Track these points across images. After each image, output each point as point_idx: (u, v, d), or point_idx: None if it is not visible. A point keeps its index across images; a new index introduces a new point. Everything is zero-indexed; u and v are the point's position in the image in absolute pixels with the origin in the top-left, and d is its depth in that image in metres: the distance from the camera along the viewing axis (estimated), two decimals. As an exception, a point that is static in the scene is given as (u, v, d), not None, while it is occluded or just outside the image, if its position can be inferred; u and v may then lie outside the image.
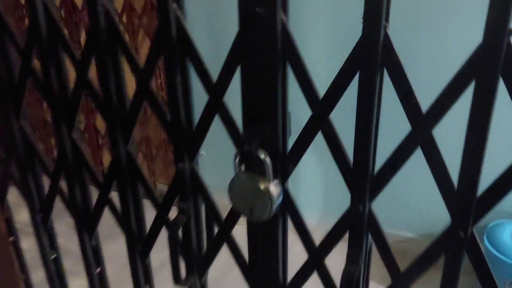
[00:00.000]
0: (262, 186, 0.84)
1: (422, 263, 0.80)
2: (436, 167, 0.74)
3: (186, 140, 0.95)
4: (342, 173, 0.83)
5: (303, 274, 0.95)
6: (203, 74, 0.89)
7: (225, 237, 1.00)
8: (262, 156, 0.83)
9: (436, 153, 0.72)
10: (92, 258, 1.32)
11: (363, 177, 0.80)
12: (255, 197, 0.86)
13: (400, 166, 0.76)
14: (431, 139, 0.72)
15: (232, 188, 0.87)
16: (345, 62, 0.75)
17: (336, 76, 0.77)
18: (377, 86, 0.74)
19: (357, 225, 0.84)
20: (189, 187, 1.00)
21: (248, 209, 0.87)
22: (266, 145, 0.85)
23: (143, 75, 0.96)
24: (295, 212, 0.90)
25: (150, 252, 1.16)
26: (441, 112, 0.69)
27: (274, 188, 0.84)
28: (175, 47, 0.88)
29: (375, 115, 0.76)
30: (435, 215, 2.19)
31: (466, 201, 0.71)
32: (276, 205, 0.85)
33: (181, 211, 1.01)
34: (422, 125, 0.72)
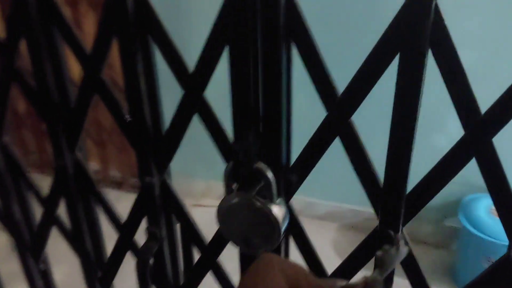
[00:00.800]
0: (264, 209, 0.63)
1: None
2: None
3: (154, 148, 0.72)
4: (368, 193, 0.63)
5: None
6: (174, 59, 0.66)
7: (209, 264, 0.79)
8: (262, 169, 0.62)
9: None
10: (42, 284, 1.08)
11: (397, 198, 0.61)
12: (254, 224, 0.65)
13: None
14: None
15: (223, 212, 0.66)
16: (378, 43, 0.54)
17: (364, 63, 0.56)
18: (424, 74, 0.54)
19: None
20: (160, 205, 0.77)
21: (244, 239, 0.66)
22: (266, 156, 0.64)
23: (91, 61, 0.71)
24: (301, 237, 0.71)
25: (113, 280, 0.93)
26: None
27: (278, 210, 0.64)
28: (133, 22, 0.64)
29: (418, 113, 0.56)
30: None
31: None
32: (283, 231, 0.65)
33: (151, 236, 0.79)
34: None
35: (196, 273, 0.81)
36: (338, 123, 0.60)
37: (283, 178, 0.66)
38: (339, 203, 2.58)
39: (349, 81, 0.58)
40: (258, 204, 0.63)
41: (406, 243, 0.65)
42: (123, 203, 0.95)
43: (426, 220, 2.37)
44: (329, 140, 0.62)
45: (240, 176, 0.64)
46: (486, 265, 1.83)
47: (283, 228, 0.64)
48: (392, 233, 0.64)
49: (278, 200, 0.64)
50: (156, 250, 0.79)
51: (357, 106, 0.59)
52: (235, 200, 0.64)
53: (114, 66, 1.96)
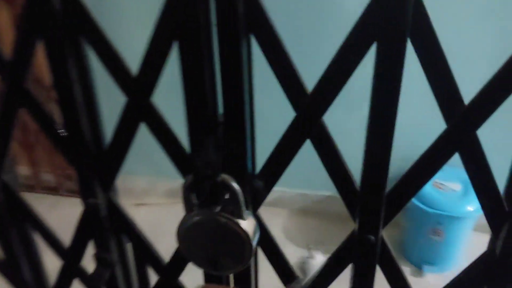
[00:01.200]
0: (232, 225, 0.56)
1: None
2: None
3: (96, 165, 0.62)
4: (344, 197, 0.58)
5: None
6: (113, 61, 0.56)
7: (169, 286, 0.71)
8: (227, 181, 0.55)
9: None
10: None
11: (377, 199, 0.56)
12: (221, 243, 0.57)
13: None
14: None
15: (183, 233, 0.58)
16: (352, 31, 0.48)
17: (337, 55, 0.50)
18: (403, 64, 0.48)
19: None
20: (108, 227, 0.68)
21: (210, 261, 0.59)
22: (229, 165, 0.56)
23: (11, 69, 0.60)
24: (270, 246, 0.64)
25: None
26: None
27: (248, 225, 0.57)
28: (60, 21, 0.53)
29: (397, 107, 0.50)
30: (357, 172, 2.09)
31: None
32: (255, 247, 0.58)
33: (101, 262, 0.69)
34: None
35: (155, 296, 0.73)
36: (308, 124, 0.54)
37: (250, 188, 0.59)
38: (288, 188, 2.55)
39: (320, 77, 0.51)
40: (225, 220, 0.56)
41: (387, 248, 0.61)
42: (60, 209, 0.85)
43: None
44: (299, 143, 0.56)
45: (201, 191, 0.56)
46: (433, 238, 1.87)
47: (254, 244, 0.58)
48: (372, 238, 0.59)
49: (246, 213, 0.57)
50: (109, 276, 0.70)
51: (329, 104, 0.52)
52: (197, 218, 0.56)
53: (39, 64, 1.79)
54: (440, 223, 2.07)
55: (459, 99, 0.50)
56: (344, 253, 0.62)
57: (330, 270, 0.64)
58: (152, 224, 2.31)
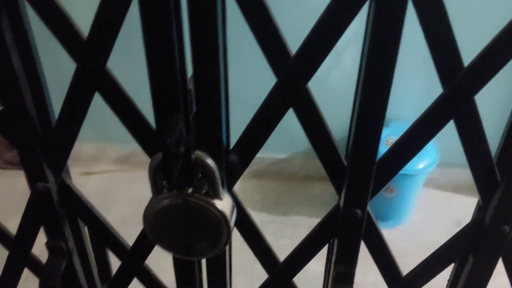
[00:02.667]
0: (207, 207, 0.49)
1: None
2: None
3: (44, 144, 0.54)
4: (329, 170, 0.53)
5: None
6: (57, 20, 0.47)
7: (133, 271, 0.65)
8: (202, 159, 0.48)
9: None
10: None
11: (367, 170, 0.51)
12: (195, 227, 0.51)
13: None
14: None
15: (151, 218, 0.51)
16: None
17: (325, 13, 0.43)
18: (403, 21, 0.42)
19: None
20: (61, 212, 0.60)
21: (183, 247, 0.53)
22: (202, 140, 0.49)
23: None
24: (248, 226, 0.59)
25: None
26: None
27: (225, 205, 0.51)
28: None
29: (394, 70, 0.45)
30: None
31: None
32: (232, 228, 0.52)
33: (55, 251, 0.61)
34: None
35: (117, 284, 0.66)
36: (292, 91, 0.48)
37: (225, 165, 0.52)
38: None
39: (306, 37, 0.45)
40: (199, 202, 0.49)
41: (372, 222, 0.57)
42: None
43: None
44: (281, 111, 0.49)
45: (171, 170, 0.49)
46: (385, 195, 1.90)
47: (232, 225, 0.52)
48: (359, 212, 0.54)
49: (222, 192, 0.51)
50: (65, 266, 0.62)
51: (316, 68, 0.46)
52: (168, 201, 0.50)
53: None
54: (392, 180, 2.10)
55: (459, 62, 0.45)
56: (327, 228, 0.58)
57: (312, 246, 0.60)
58: (102, 193, 2.20)
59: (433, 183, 2.14)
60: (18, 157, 0.54)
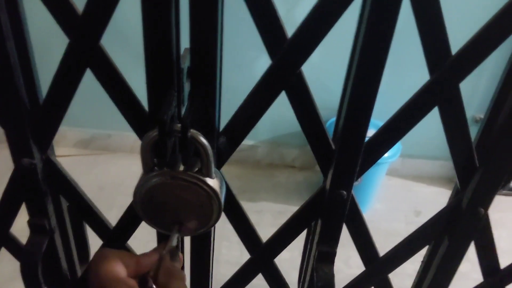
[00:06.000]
0: (199, 185, 0.50)
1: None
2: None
3: (32, 121, 0.53)
4: (317, 153, 0.54)
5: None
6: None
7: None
8: (196, 137, 0.48)
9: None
10: None
11: (355, 152, 0.53)
12: (187, 204, 0.52)
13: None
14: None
15: (142, 196, 0.51)
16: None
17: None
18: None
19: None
20: (46, 189, 0.59)
21: (174, 223, 0.53)
22: (195, 119, 0.50)
23: None
24: (235, 209, 0.60)
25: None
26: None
27: (216, 184, 0.51)
28: None
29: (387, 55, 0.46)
30: (275, 122, 2.12)
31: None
32: (222, 206, 0.53)
33: (37, 229, 0.61)
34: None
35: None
36: (286, 74, 0.49)
37: (216, 145, 0.53)
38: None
39: (302, 21, 0.46)
40: (192, 180, 0.50)
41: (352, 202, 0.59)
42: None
43: (293, 145, 2.41)
44: (273, 94, 0.50)
45: (163, 149, 0.49)
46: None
47: (223, 203, 0.53)
48: (344, 193, 0.56)
49: (214, 171, 0.52)
50: (46, 245, 0.62)
51: (310, 52, 0.47)
52: (159, 178, 0.50)
53: None
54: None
55: (447, 49, 0.47)
56: (311, 210, 0.59)
57: (295, 227, 0.61)
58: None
59: (395, 172, 2.21)
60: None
